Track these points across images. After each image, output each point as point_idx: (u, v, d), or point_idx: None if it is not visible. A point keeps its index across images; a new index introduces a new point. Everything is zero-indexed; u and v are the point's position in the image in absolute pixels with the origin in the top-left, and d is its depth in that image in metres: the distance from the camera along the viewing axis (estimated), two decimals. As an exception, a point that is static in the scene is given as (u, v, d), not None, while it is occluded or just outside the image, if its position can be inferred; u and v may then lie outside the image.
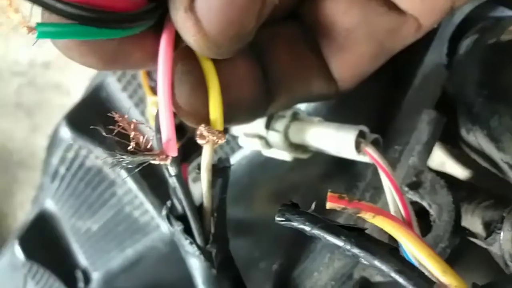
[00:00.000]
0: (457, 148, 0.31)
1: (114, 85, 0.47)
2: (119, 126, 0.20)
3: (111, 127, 0.22)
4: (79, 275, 0.56)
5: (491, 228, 0.26)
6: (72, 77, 1.10)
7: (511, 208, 0.25)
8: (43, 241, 0.58)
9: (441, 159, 0.51)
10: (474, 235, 0.28)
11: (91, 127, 0.24)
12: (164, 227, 0.46)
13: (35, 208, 0.62)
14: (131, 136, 0.20)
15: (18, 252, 0.58)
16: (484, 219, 0.27)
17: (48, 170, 0.55)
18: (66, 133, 0.49)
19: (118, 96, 0.47)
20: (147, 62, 0.22)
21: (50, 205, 0.59)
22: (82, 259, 0.57)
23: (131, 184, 0.46)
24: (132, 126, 0.20)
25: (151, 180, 0.46)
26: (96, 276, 0.55)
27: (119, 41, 0.21)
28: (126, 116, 0.20)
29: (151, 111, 0.44)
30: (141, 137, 0.20)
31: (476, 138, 0.27)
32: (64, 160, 0.52)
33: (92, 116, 0.48)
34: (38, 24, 0.17)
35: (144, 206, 0.46)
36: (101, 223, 0.52)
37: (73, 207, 0.55)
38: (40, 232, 0.59)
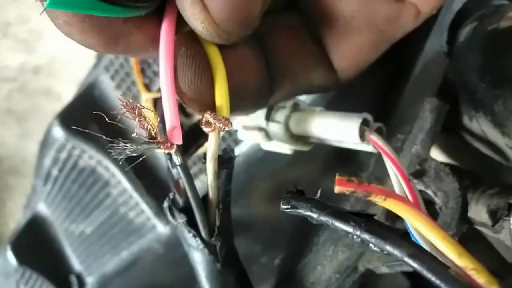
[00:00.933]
0: (458, 137, 0.31)
1: (107, 83, 0.47)
2: (124, 110, 0.19)
3: (114, 114, 0.21)
4: (73, 280, 0.56)
5: (497, 215, 0.26)
6: (63, 82, 1.09)
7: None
8: (36, 246, 0.58)
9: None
10: (478, 224, 0.28)
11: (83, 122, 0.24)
12: (161, 227, 0.46)
13: (27, 212, 0.61)
14: (136, 121, 0.19)
15: (10, 257, 0.58)
16: (489, 207, 0.27)
17: (41, 173, 0.55)
18: (58, 132, 0.49)
19: (111, 94, 0.47)
20: (148, 46, 0.22)
21: (42, 208, 0.58)
22: (76, 264, 0.57)
23: (125, 184, 0.46)
24: (137, 112, 0.19)
25: (146, 180, 0.46)
26: (90, 280, 0.55)
27: (123, 21, 0.20)
28: (131, 101, 0.19)
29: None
30: (146, 123, 0.20)
31: (480, 125, 0.27)
32: (56, 161, 0.51)
33: (85, 115, 0.48)
34: None
35: (139, 207, 0.46)
36: (95, 225, 0.52)
37: (66, 210, 0.55)
38: (32, 237, 0.58)
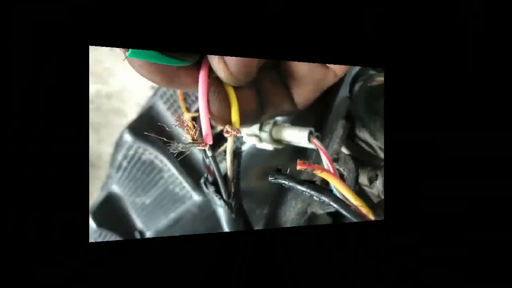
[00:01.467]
0: (354, 141, 0.34)
1: (161, 106, 0.49)
2: (177, 123, 0.21)
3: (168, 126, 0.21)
4: (137, 234, 0.56)
5: (372, 180, 0.32)
6: (128, 105, 1.03)
7: (379, 169, 0.31)
8: (111, 214, 0.57)
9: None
10: (364, 185, 0.33)
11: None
12: (196, 197, 0.47)
13: (103, 191, 0.60)
14: (185, 130, 0.22)
15: (91, 223, 0.56)
16: (368, 176, 0.31)
17: (114, 164, 0.55)
18: (128, 137, 0.50)
19: (163, 114, 0.49)
20: (191, 84, 0.23)
21: (115, 188, 0.58)
22: (139, 224, 0.56)
23: (174, 170, 0.48)
24: (185, 124, 0.22)
25: (187, 168, 0.48)
26: (148, 234, 0.54)
27: (176, 68, 0.22)
28: (182, 117, 0.22)
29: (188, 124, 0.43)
30: (191, 131, 0.22)
31: (364, 134, 0.32)
32: (126, 156, 0.52)
33: (146, 126, 0.49)
34: (132, 50, 0.19)
35: (182, 184, 0.48)
36: (152, 198, 0.53)
37: (132, 189, 0.55)
38: (108, 207, 0.58)
